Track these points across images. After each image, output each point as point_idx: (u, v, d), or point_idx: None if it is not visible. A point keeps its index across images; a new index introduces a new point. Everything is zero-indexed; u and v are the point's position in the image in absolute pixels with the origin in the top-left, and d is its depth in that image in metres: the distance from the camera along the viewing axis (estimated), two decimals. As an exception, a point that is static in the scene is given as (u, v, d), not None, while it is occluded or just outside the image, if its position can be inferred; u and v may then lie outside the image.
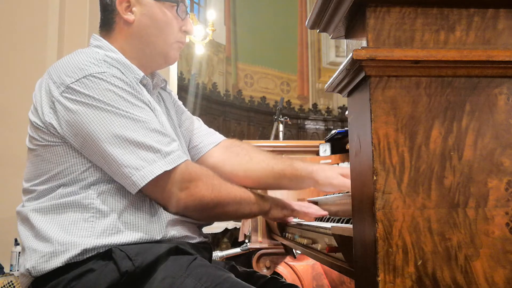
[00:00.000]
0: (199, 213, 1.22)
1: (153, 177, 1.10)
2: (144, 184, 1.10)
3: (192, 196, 1.16)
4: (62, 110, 1.13)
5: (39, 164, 1.19)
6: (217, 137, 1.55)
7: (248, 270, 1.45)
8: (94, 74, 1.13)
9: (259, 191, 1.97)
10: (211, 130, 1.57)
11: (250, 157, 1.48)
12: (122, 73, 1.18)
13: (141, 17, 1.28)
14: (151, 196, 1.17)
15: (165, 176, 1.13)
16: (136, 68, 1.26)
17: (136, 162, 1.11)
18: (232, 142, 1.55)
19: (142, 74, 1.26)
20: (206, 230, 1.39)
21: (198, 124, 1.55)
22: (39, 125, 1.17)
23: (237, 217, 1.34)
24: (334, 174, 1.43)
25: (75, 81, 1.13)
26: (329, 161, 2.25)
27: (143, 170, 1.10)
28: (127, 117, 1.12)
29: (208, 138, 1.52)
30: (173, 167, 1.13)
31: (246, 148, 1.52)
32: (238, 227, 4.74)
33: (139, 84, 1.24)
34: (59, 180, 1.16)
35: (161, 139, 1.14)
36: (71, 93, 1.13)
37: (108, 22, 1.30)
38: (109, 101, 1.12)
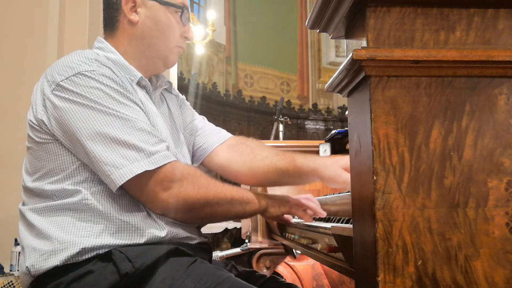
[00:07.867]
0: (186, 214, 1.19)
1: (132, 176, 1.09)
2: (122, 182, 1.09)
3: (176, 196, 1.14)
4: (51, 107, 1.15)
5: (33, 161, 1.21)
6: (222, 135, 1.53)
7: (247, 269, 1.44)
8: (83, 72, 1.14)
9: (259, 189, 1.96)
10: (217, 128, 1.56)
11: (254, 155, 1.47)
12: (114, 72, 1.18)
13: (145, 18, 1.29)
14: (134, 196, 1.15)
15: (148, 175, 1.11)
16: (134, 69, 1.26)
17: (117, 160, 1.10)
18: (238, 140, 1.53)
19: (139, 75, 1.27)
20: (206, 230, 1.38)
21: (202, 124, 1.53)
22: (33, 123, 1.19)
23: (230, 218, 1.30)
24: (338, 171, 1.37)
25: (65, 79, 1.14)
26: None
27: (123, 168, 1.09)
28: (112, 114, 1.12)
29: (212, 137, 1.51)
30: (156, 167, 1.11)
31: (251, 145, 1.50)
32: (238, 227, 4.74)
33: (132, 84, 1.24)
34: (50, 177, 1.17)
35: (147, 138, 1.13)
36: (60, 91, 1.14)
37: (111, 21, 1.31)
38: (95, 99, 1.12)
